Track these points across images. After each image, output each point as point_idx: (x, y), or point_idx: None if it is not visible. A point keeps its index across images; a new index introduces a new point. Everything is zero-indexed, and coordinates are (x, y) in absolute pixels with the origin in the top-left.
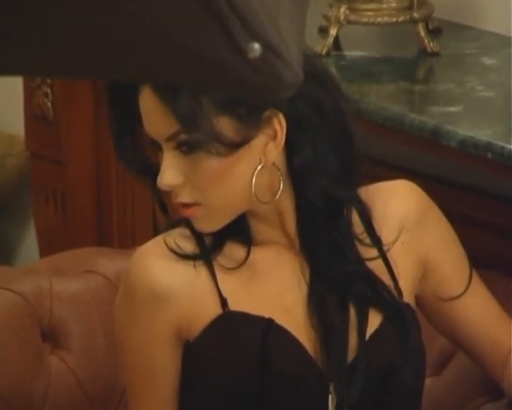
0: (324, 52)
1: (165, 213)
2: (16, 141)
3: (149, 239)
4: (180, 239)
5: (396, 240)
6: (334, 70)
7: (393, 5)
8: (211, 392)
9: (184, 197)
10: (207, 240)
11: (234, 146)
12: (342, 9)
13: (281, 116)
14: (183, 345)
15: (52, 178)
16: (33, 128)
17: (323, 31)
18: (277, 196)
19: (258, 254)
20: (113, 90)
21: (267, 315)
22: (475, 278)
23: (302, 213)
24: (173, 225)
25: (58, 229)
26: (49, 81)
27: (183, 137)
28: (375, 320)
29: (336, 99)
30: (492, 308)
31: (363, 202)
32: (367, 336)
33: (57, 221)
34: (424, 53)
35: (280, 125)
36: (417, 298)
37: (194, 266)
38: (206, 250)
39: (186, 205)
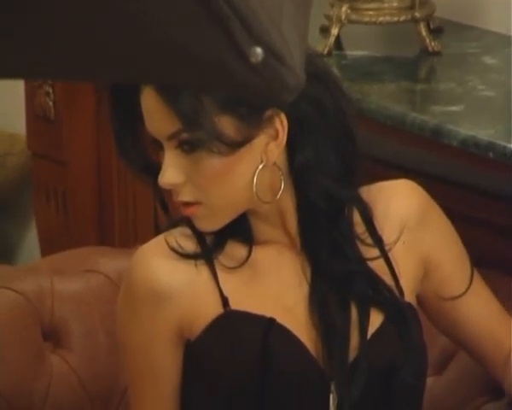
0: (326, 51)
1: (166, 213)
2: (18, 140)
3: (151, 238)
4: (181, 238)
5: (397, 240)
6: (335, 69)
7: (395, 4)
8: (212, 391)
9: (185, 196)
10: (208, 239)
11: (235, 145)
12: (344, 9)
13: (282, 116)
14: (184, 344)
15: (53, 178)
16: (35, 127)
17: (325, 30)
18: (278, 196)
19: (259, 253)
20: (114, 89)
21: (268, 314)
22: (477, 278)
23: (303, 212)
24: (174, 224)
25: (59, 228)
26: (50, 81)
27: (184, 135)
28: (376, 320)
29: (338, 99)
30: (494, 308)
31: (364, 202)
32: (368, 336)
33: (58, 220)
34: (425, 52)
35: (281, 124)
36: (419, 298)
37: (196, 265)
38: (208, 249)
39: (187, 204)
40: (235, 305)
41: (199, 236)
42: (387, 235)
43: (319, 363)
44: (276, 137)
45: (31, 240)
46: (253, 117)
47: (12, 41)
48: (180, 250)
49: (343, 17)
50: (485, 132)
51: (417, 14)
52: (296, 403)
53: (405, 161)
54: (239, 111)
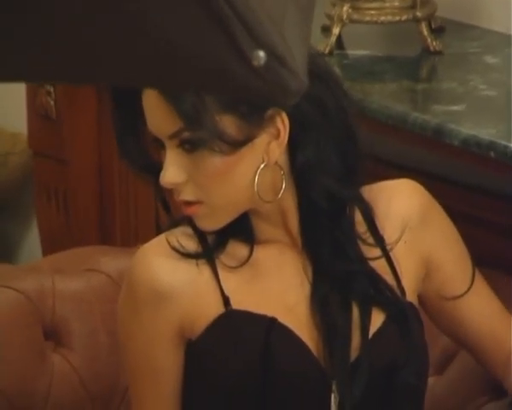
0: (327, 51)
1: (167, 212)
2: (19, 139)
3: (152, 238)
4: (182, 238)
5: (399, 239)
6: (337, 69)
7: (396, 4)
8: (213, 391)
9: (187, 195)
10: (210, 239)
11: (237, 144)
12: (345, 8)
13: (284, 115)
14: (185, 344)
15: (55, 177)
16: (36, 127)
17: (326, 30)
18: (280, 195)
19: (260, 252)
20: (116, 89)
21: (270, 314)
22: (478, 278)
23: (305, 211)
24: (176, 223)
25: (60, 227)
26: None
27: (186, 134)
28: (377, 319)
29: (339, 98)
30: (495, 308)
31: (365, 202)
32: (370, 335)
33: (60, 220)
34: (427, 52)
35: (283, 124)
36: (420, 297)
37: (197, 264)
38: (209, 249)
39: (188, 203)
40: (236, 304)
41: (200, 235)
42: (389, 234)
43: (320, 363)
44: (277, 136)
45: (32, 239)
46: (254, 116)
47: (12, 41)
48: (181, 250)
49: (344, 16)
50: (486, 132)
51: (419, 14)
52: (297, 403)
53: (407, 161)
54: (240, 110)
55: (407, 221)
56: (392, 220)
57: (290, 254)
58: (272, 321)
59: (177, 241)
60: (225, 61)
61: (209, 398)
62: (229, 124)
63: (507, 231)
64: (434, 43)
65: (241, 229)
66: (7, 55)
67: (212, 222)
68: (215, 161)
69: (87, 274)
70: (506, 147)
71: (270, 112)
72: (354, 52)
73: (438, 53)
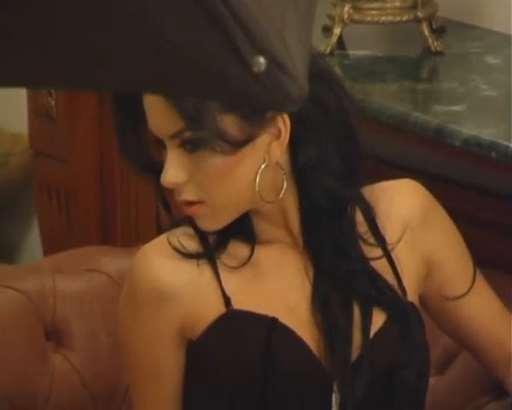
0: (328, 51)
1: (168, 212)
2: (20, 139)
3: (153, 238)
4: (184, 238)
5: (400, 239)
6: (337, 69)
7: (397, 4)
8: (214, 391)
9: (188, 195)
10: (211, 239)
11: (238, 144)
12: (346, 8)
13: (285, 115)
14: (186, 344)
15: (56, 177)
16: (37, 126)
17: (327, 30)
18: (281, 195)
19: (261, 252)
20: None
21: (271, 314)
22: (479, 278)
23: (306, 212)
24: (177, 223)
25: (61, 227)
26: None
27: (187, 134)
28: (378, 319)
29: (340, 98)
30: (496, 308)
31: (366, 202)
32: (371, 335)
33: (61, 220)
34: (428, 52)
35: (284, 124)
36: (421, 297)
37: (198, 264)
38: (210, 249)
39: (189, 203)
40: (237, 304)
41: (201, 235)
42: (390, 234)
43: (322, 363)
44: (278, 136)
45: (33, 239)
46: (255, 116)
47: (12, 41)
48: (182, 250)
49: (345, 17)
50: (487, 132)
51: (420, 14)
52: (299, 403)
53: (408, 161)
54: (242, 110)
55: (408, 221)
56: (393, 220)
57: (291, 254)
58: (273, 321)
59: (178, 241)
60: (225, 65)
61: (210, 398)
62: (230, 124)
63: (508, 231)
64: (435, 43)
65: (242, 229)
66: (7, 55)
67: (213, 222)
68: (216, 161)
69: (88, 274)
70: (507, 147)
71: (271, 112)
72: (355, 52)
73: (439, 53)
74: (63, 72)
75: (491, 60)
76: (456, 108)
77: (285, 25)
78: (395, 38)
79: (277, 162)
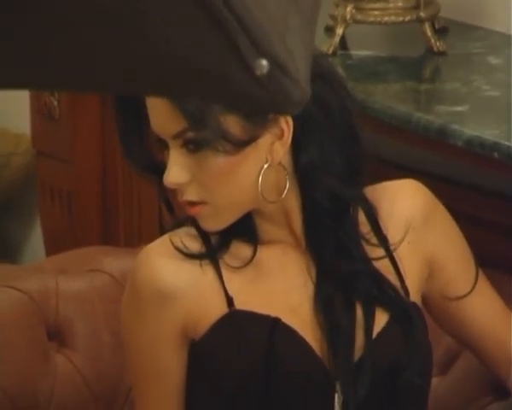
0: (331, 51)
1: (171, 213)
2: (22, 140)
3: (155, 238)
4: (186, 238)
5: (402, 240)
6: (340, 69)
7: (400, 4)
8: (217, 391)
9: (190, 195)
10: (213, 239)
11: (240, 144)
12: (349, 9)
13: (287, 116)
14: (189, 344)
15: (58, 177)
16: (39, 127)
17: (330, 30)
18: (283, 195)
19: (264, 253)
20: None
21: (273, 314)
22: (482, 278)
23: (308, 212)
24: (179, 224)
25: (64, 228)
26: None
27: (190, 134)
28: (381, 319)
29: (343, 99)
30: (498, 308)
31: (369, 202)
32: (373, 335)
33: (63, 220)
34: (430, 52)
35: (287, 124)
36: (424, 298)
37: (201, 265)
38: (212, 249)
39: (192, 203)
40: (240, 305)
41: (204, 236)
42: (392, 235)
43: (324, 363)
44: (281, 136)
45: (35, 239)
46: (258, 116)
47: (12, 41)
48: (185, 250)
49: (348, 17)
50: (490, 132)
51: (422, 14)
52: (301, 403)
53: (410, 161)
54: (244, 110)
55: (410, 221)
56: (395, 221)
57: (294, 254)
58: (276, 321)
59: (181, 241)
60: (227, 68)
61: (212, 398)
62: (233, 124)
63: (507, 231)
64: (438, 43)
65: (245, 229)
66: (7, 55)
67: (215, 222)
68: (219, 161)
69: (90, 274)
70: (509, 147)
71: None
72: (357, 52)
73: (441, 53)
74: (63, 73)
75: (494, 60)
76: (458, 108)
77: (288, 28)
78: (397, 38)
79: (280, 162)
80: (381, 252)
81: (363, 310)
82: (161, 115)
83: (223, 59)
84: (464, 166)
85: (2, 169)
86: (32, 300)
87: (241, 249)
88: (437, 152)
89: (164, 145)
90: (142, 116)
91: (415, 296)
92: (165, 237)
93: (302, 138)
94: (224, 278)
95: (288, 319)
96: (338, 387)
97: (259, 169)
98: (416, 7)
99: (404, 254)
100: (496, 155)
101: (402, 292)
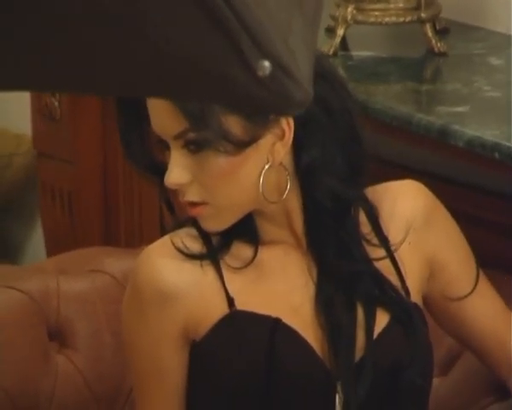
0: (331, 52)
1: (172, 213)
2: (23, 140)
3: (156, 239)
4: (187, 239)
5: (403, 240)
6: (341, 70)
7: (401, 5)
8: (218, 392)
9: (192, 196)
10: (214, 240)
11: (242, 145)
12: (349, 9)
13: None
14: (189, 345)
15: (59, 178)
16: (40, 127)
17: (331, 31)
18: (284, 196)
19: (265, 253)
20: None
21: (274, 315)
22: (482, 278)
23: (309, 212)
24: (180, 224)
25: (65, 228)
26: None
27: (191, 135)
28: (382, 320)
29: (344, 99)
30: (499, 308)
31: (370, 202)
32: (374, 336)
33: (64, 220)
34: (431, 53)
35: (288, 124)
36: (425, 298)
37: (202, 265)
38: (213, 250)
39: (193, 204)
40: (240, 305)
41: (204, 236)
42: (393, 235)
43: (325, 363)
44: (282, 137)
45: (36, 240)
46: (259, 117)
47: (12, 41)
48: (186, 251)
49: (349, 18)
50: (490, 133)
51: (423, 15)
52: (302, 403)
53: (411, 162)
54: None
55: (411, 222)
56: (396, 221)
57: (295, 254)
58: (277, 322)
59: (182, 242)
60: (229, 68)
61: (213, 399)
62: (234, 124)
63: (507, 231)
64: (439, 44)
65: (246, 230)
66: (7, 55)
67: (216, 223)
68: (220, 162)
69: (91, 275)
70: (510, 148)
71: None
72: (358, 53)
73: (442, 54)
74: (63, 73)
75: (495, 61)
76: (459, 108)
77: (291, 29)
78: (398, 38)
79: (281, 163)
80: (381, 252)
81: (363, 310)
82: (162, 116)
83: (224, 59)
84: (465, 167)
85: (4, 170)
86: (33, 300)
87: (241, 250)
88: (438, 152)
89: (165, 146)
90: (143, 117)
91: (416, 297)
92: (166, 237)
93: (303, 139)
94: (225, 279)
95: (288, 320)
96: (339, 387)
97: (260, 169)
98: (417, 8)
99: (404, 255)
100: (496, 155)
101: (403, 292)
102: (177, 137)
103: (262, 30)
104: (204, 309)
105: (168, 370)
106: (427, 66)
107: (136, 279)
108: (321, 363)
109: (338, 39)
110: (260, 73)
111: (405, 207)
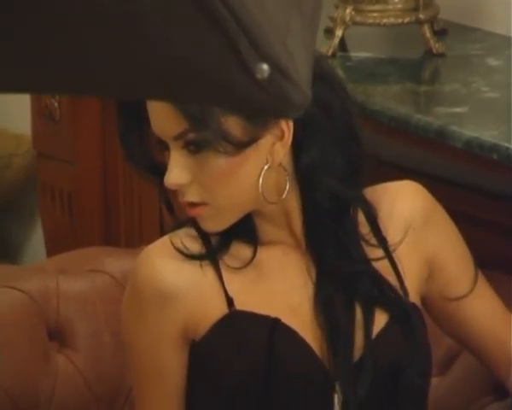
0: (330, 53)
1: (171, 214)
2: (23, 141)
3: (156, 239)
4: (186, 239)
5: (402, 240)
6: (339, 71)
7: (399, 6)
8: (217, 391)
9: (191, 196)
10: (214, 240)
11: (241, 145)
12: (348, 10)
13: None
14: (189, 345)
15: (59, 178)
16: (40, 128)
17: (329, 32)
18: (284, 196)
19: (264, 253)
20: None
21: (273, 315)
22: (481, 279)
23: (308, 212)
24: (180, 225)
25: (65, 228)
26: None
27: (190, 136)
28: (381, 320)
29: (343, 100)
30: (498, 308)
31: (369, 203)
32: (373, 336)
33: (64, 221)
34: (430, 54)
35: (287, 125)
36: (423, 299)
37: (201, 266)
38: (213, 250)
39: (193, 204)
40: (240, 305)
41: (204, 236)
42: (392, 236)
43: (324, 363)
44: (281, 137)
45: (36, 240)
46: (259, 118)
47: (12, 41)
48: (185, 251)
49: (347, 19)
50: (489, 134)
51: (421, 16)
52: (301, 403)
53: (409, 162)
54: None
55: (410, 223)
56: (395, 222)
57: (294, 255)
58: (276, 322)
59: (181, 242)
60: (227, 71)
61: (213, 399)
62: (233, 125)
63: (507, 232)
64: (437, 45)
65: (245, 230)
66: (7, 55)
67: (216, 223)
68: (220, 162)
69: (91, 275)
70: (508, 149)
71: None
72: (357, 54)
73: (440, 55)
74: (63, 74)
75: (493, 62)
76: (457, 109)
77: (289, 30)
78: (397, 40)
79: (280, 163)
80: (380, 253)
81: (362, 310)
82: (162, 117)
83: (223, 60)
84: (463, 168)
85: (3, 170)
86: (33, 300)
87: (241, 250)
88: (436, 153)
89: (164, 146)
90: (142, 118)
91: (414, 297)
92: (166, 237)
93: (303, 139)
94: (224, 279)
95: (288, 320)
96: (338, 387)
97: (260, 170)
98: (416, 9)
99: (403, 255)
100: (495, 156)
101: (401, 293)
102: (176, 138)
103: (260, 33)
104: (203, 309)
105: (168, 370)
106: (425, 67)
107: (136, 279)
108: (320, 363)
109: (336, 40)
110: (259, 76)
111: (404, 208)
